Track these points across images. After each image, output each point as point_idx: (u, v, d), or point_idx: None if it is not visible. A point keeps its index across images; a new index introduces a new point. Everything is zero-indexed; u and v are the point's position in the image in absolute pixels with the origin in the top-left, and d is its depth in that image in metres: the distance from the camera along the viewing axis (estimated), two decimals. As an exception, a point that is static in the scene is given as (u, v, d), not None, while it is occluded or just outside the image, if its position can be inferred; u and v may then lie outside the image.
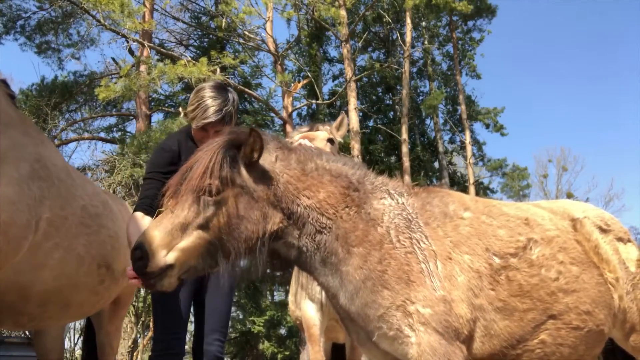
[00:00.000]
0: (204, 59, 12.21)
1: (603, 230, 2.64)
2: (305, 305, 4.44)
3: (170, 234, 1.81)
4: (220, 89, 2.72)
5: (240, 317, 17.49)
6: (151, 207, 2.58)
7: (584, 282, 2.36)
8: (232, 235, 1.86)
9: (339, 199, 2.06)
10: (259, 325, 15.79)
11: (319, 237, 2.01)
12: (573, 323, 2.27)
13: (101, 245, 3.13)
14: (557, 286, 2.26)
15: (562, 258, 2.35)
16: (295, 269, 4.64)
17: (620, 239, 2.68)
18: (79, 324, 15.51)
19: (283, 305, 16.80)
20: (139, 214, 2.58)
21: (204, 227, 1.84)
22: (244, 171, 1.93)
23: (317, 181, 2.05)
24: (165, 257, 1.80)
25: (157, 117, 16.96)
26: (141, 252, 1.80)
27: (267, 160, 2.00)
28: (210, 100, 2.61)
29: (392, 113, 22.33)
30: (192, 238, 1.83)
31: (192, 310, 3.02)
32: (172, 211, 1.87)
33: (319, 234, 2.01)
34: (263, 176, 1.96)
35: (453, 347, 1.96)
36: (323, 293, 4.28)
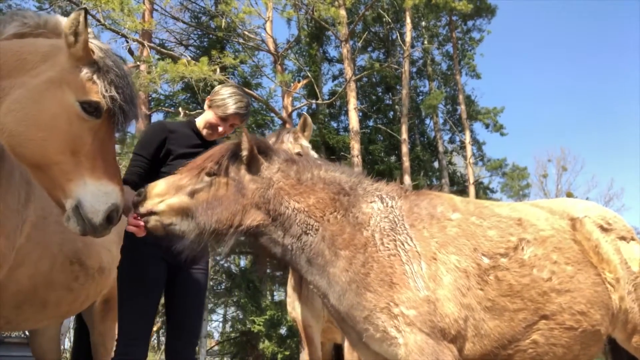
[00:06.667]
0: (204, 59, 12.21)
1: (604, 230, 2.61)
2: (299, 307, 4.42)
3: (167, 189, 2.20)
4: (243, 92, 3.12)
5: (240, 316, 17.47)
6: (135, 183, 2.75)
7: (579, 282, 2.35)
8: (207, 212, 2.15)
9: (327, 203, 2.24)
10: (259, 325, 15.76)
11: (304, 238, 2.19)
12: (567, 323, 2.27)
13: (72, 242, 3.13)
14: (550, 286, 2.26)
15: (556, 258, 2.35)
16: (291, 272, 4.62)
17: (622, 238, 2.64)
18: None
19: (283, 305, 16.78)
20: (129, 188, 2.70)
21: (191, 195, 2.19)
22: (243, 170, 2.24)
23: (309, 188, 2.27)
24: (156, 204, 2.18)
25: (157, 117, 16.88)
26: (143, 193, 2.23)
27: (270, 169, 2.28)
28: (240, 97, 2.99)
29: (392, 113, 22.29)
30: (179, 199, 2.18)
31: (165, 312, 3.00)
32: (180, 174, 2.25)
33: (305, 235, 2.19)
34: (259, 180, 2.24)
35: (441, 347, 2.00)
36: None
